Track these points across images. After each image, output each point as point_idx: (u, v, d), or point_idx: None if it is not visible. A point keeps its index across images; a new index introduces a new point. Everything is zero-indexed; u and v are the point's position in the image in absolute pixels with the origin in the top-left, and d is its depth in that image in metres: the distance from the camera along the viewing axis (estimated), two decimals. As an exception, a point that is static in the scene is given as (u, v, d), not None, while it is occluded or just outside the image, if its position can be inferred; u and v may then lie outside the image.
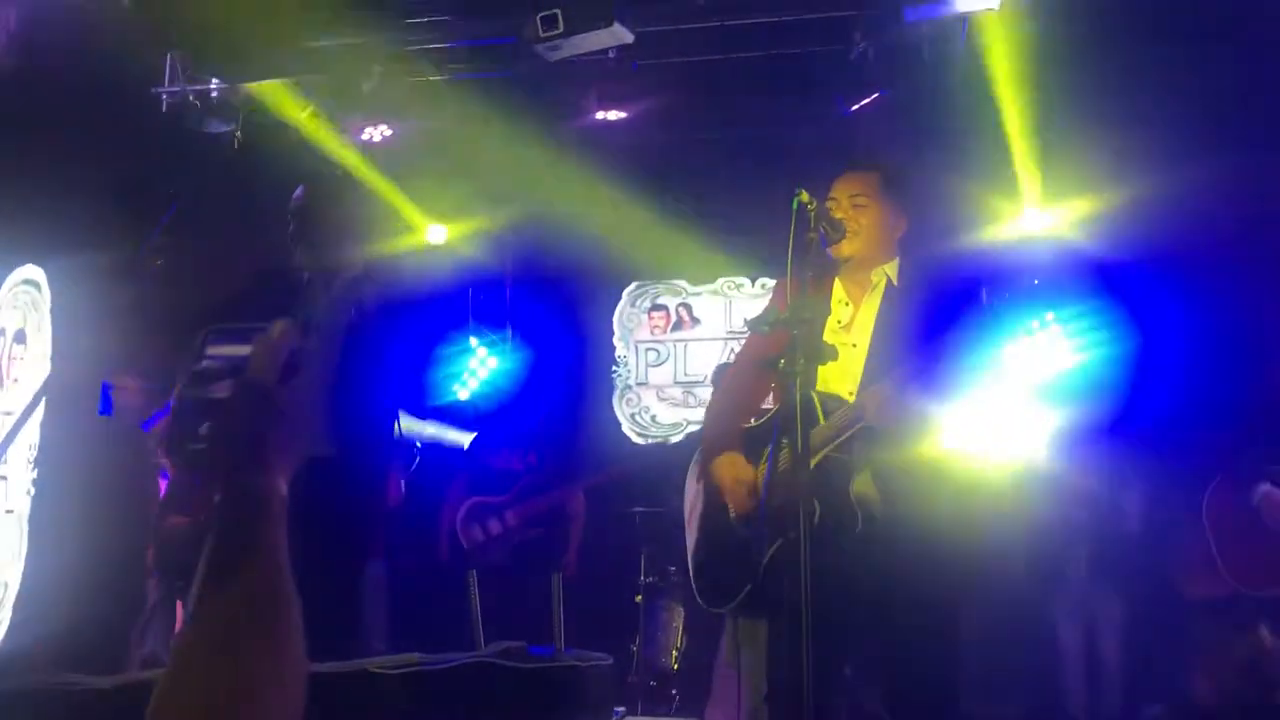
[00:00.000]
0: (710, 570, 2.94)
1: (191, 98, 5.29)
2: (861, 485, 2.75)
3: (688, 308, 7.62)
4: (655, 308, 7.67)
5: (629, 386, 7.60)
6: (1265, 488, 4.09)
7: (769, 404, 3.07)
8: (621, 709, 1.89)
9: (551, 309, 7.59)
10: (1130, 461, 5.79)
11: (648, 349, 7.65)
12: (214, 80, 5.24)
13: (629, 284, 7.65)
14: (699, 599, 2.97)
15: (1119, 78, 5.37)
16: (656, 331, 7.64)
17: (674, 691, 5.70)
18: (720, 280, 7.52)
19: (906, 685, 2.80)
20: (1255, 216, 5.75)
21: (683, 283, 7.63)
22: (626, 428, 7.54)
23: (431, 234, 6.89)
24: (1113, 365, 5.81)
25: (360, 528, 3.28)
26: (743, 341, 3.25)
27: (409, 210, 6.49)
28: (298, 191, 3.34)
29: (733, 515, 2.87)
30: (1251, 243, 5.75)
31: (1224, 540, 4.32)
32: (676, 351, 7.59)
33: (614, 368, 7.65)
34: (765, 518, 2.52)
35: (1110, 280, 5.90)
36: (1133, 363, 5.74)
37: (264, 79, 5.07)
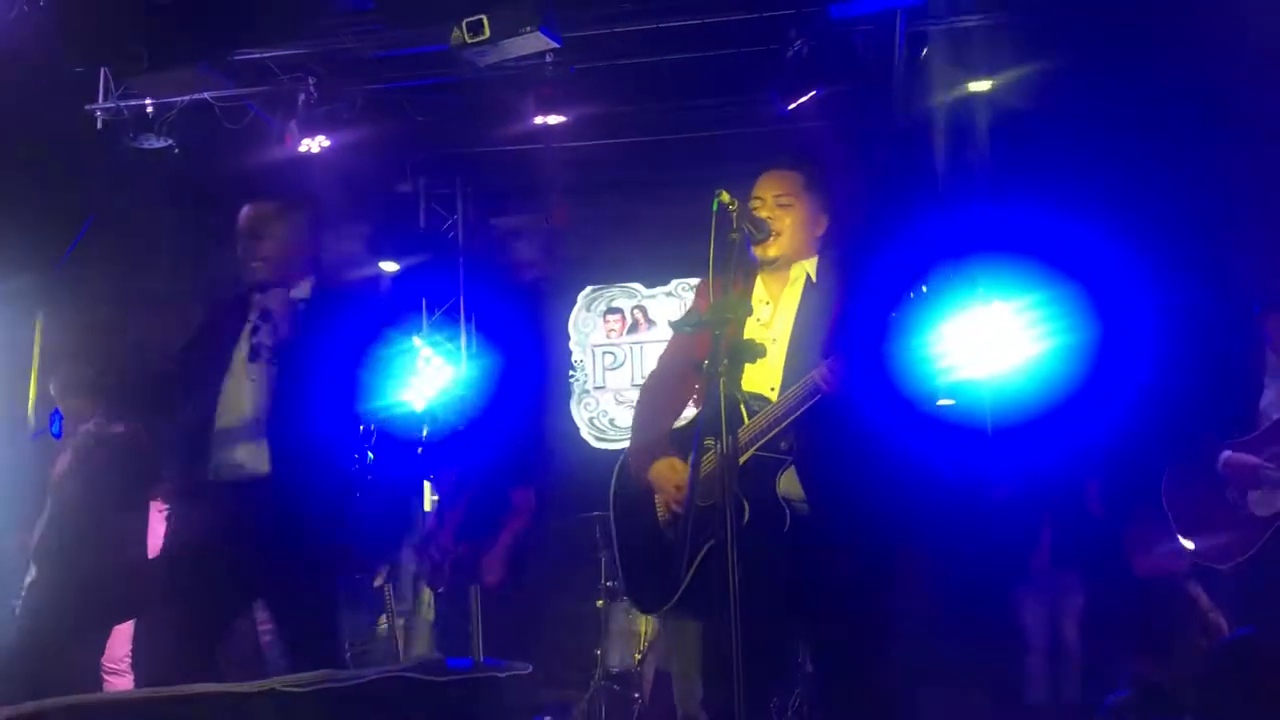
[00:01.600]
0: (640, 575, 2.92)
1: (126, 114, 5.24)
2: (787, 483, 2.74)
3: (643, 310, 7.62)
4: (610, 311, 7.67)
5: (586, 391, 7.59)
6: (1227, 454, 4.14)
7: (693, 406, 3.05)
8: (545, 717, 1.86)
9: (506, 315, 7.58)
10: (1090, 446, 5.85)
11: (604, 352, 7.65)
12: (148, 97, 5.19)
13: (583, 288, 7.64)
14: (632, 603, 2.95)
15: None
16: (612, 335, 7.64)
17: (637, 695, 5.68)
18: (674, 282, 7.52)
19: (842, 683, 2.79)
20: (1209, 195, 5.81)
21: (637, 285, 7.63)
22: (585, 432, 7.53)
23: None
24: (1072, 352, 5.85)
25: (326, 539, 3.27)
26: (667, 344, 3.22)
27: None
28: (244, 210, 3.36)
29: (661, 519, 2.86)
30: (1209, 225, 5.80)
31: (1183, 520, 4.35)
32: (633, 354, 7.58)
33: (571, 372, 7.64)
34: (691, 520, 2.50)
35: (1065, 266, 5.94)
36: (1092, 349, 5.78)
37: (196, 94, 5.03)
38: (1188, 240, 5.82)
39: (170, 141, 5.32)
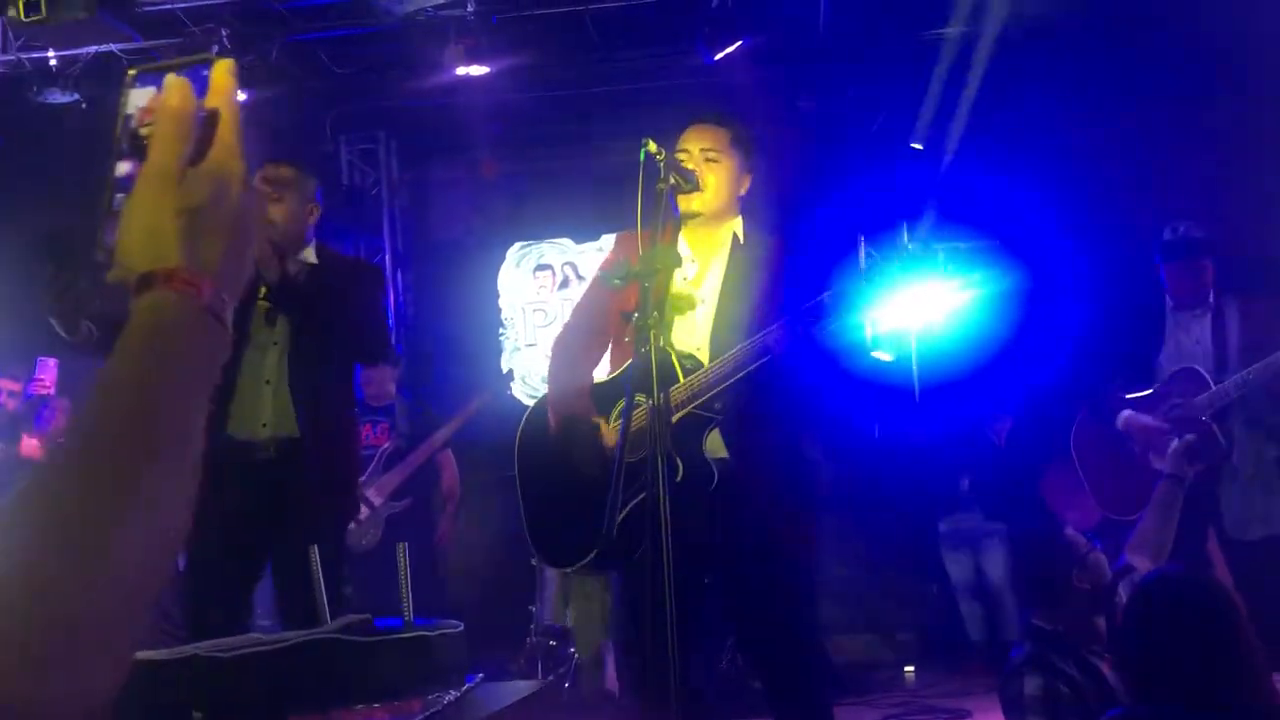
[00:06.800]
0: (553, 529, 2.89)
1: (29, 67, 5.01)
2: (713, 441, 2.74)
3: (573, 267, 7.55)
4: (540, 268, 7.59)
5: (517, 348, 7.53)
6: (1127, 413, 4.23)
7: (608, 361, 3.01)
8: (479, 675, 1.84)
9: (434, 272, 7.47)
10: (1010, 396, 5.97)
11: (535, 309, 7.58)
12: (51, 49, 4.97)
13: (512, 244, 7.55)
14: (541, 558, 2.91)
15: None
16: (543, 292, 7.56)
17: (572, 650, 5.69)
18: (604, 237, 7.43)
19: (759, 634, 2.81)
20: (1128, 154, 5.91)
21: (567, 241, 7.55)
22: (517, 390, 7.48)
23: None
24: (995, 306, 5.93)
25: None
26: (583, 295, 3.17)
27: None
28: (261, 170, 3.44)
29: (581, 474, 2.82)
30: (1126, 183, 5.91)
31: (1091, 472, 4.46)
32: (564, 312, 7.52)
33: (500, 330, 7.56)
34: (619, 476, 2.47)
35: (992, 219, 6.02)
36: (1015, 303, 5.86)
37: (100, 44, 4.82)
38: (1104, 197, 5.94)
39: (77, 96, 5.10)
